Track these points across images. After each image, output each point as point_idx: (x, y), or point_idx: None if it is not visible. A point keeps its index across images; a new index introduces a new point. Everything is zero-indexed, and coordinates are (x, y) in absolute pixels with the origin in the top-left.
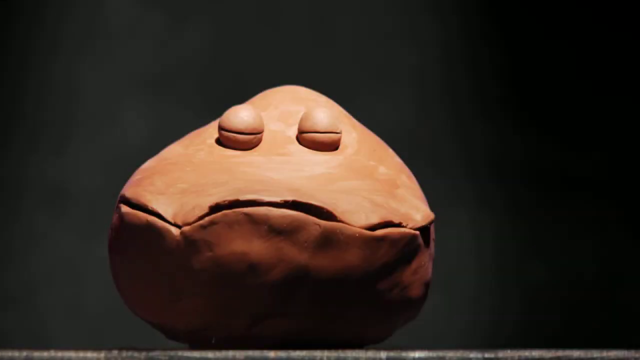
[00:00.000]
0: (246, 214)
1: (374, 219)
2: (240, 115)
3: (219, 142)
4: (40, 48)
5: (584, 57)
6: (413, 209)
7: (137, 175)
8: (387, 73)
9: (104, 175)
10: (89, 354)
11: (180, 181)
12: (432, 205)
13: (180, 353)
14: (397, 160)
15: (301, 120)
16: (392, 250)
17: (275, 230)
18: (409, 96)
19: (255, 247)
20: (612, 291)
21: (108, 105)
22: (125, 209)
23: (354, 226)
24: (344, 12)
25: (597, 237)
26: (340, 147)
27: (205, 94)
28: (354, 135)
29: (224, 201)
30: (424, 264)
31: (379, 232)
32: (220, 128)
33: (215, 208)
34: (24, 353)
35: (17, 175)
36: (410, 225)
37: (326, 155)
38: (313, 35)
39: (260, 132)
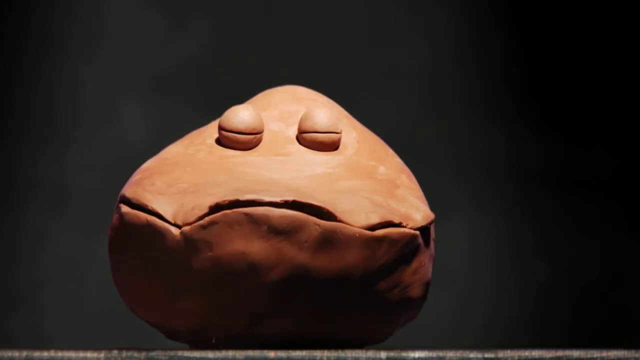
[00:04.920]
0: (246, 214)
1: (374, 219)
2: (240, 115)
3: (219, 142)
4: (41, 49)
5: (595, 58)
6: (413, 209)
7: (137, 175)
8: (386, 73)
9: (104, 175)
10: (89, 354)
11: (180, 181)
12: (433, 206)
13: (180, 353)
14: (397, 160)
15: (301, 120)
16: (392, 250)
17: (275, 230)
18: (408, 96)
19: (255, 247)
20: (612, 291)
21: (108, 105)
22: (125, 209)
23: (354, 226)
24: (344, 11)
25: (601, 237)
26: (340, 147)
27: (205, 94)
28: (354, 135)
29: (224, 201)
30: (424, 264)
31: (379, 232)
32: (220, 128)
33: (215, 208)
34: (24, 353)
35: (17, 175)
36: (410, 225)
37: (326, 155)
38: (313, 35)
39: (260, 132)
